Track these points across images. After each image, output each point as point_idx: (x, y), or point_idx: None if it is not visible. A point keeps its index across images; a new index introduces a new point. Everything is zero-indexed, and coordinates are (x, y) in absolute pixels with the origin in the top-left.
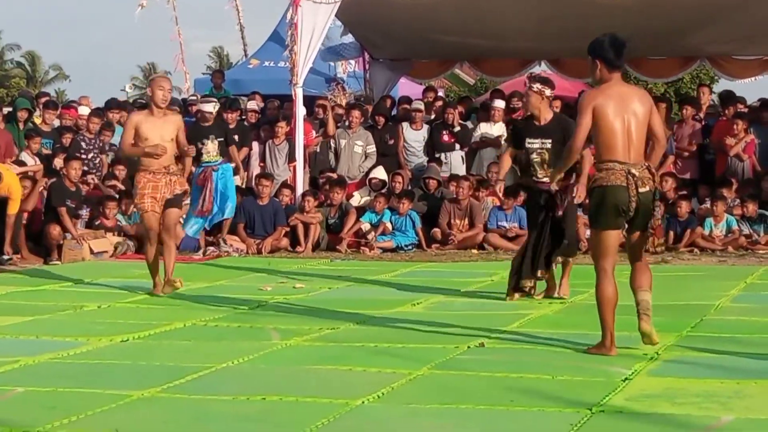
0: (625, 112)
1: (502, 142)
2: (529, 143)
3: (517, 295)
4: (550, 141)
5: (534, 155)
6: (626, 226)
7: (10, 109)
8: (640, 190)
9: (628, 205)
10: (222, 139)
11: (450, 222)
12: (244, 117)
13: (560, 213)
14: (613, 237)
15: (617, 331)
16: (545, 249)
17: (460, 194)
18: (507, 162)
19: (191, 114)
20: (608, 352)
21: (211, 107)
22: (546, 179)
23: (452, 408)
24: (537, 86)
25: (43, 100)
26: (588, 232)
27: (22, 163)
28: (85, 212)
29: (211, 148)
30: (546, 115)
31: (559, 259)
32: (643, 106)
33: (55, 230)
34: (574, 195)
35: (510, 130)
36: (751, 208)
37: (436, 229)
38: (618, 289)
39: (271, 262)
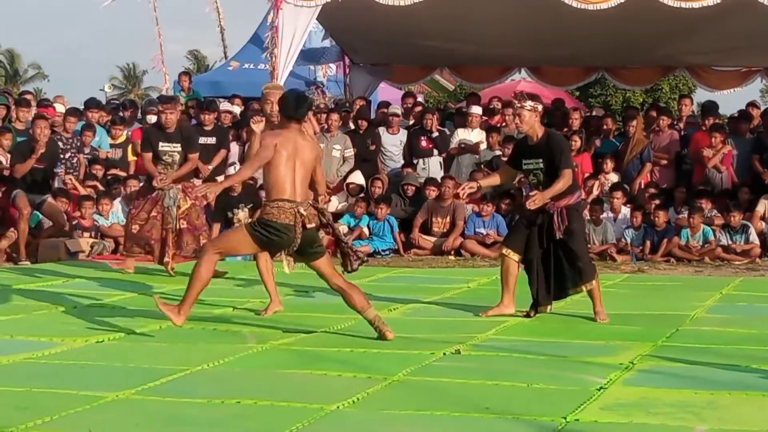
0: (296, 157)
1: (481, 148)
2: (525, 164)
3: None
4: (541, 161)
5: (531, 176)
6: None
7: None
8: (308, 226)
9: (293, 242)
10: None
11: (430, 220)
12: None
13: (560, 235)
14: (249, 250)
15: (594, 340)
16: (556, 275)
17: (446, 194)
18: (495, 180)
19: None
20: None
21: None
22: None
23: (427, 414)
24: (530, 104)
25: (18, 97)
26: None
27: None
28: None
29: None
30: (539, 133)
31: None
32: (312, 154)
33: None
34: (528, 201)
35: (512, 149)
36: (737, 218)
37: (415, 232)
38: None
39: (248, 265)
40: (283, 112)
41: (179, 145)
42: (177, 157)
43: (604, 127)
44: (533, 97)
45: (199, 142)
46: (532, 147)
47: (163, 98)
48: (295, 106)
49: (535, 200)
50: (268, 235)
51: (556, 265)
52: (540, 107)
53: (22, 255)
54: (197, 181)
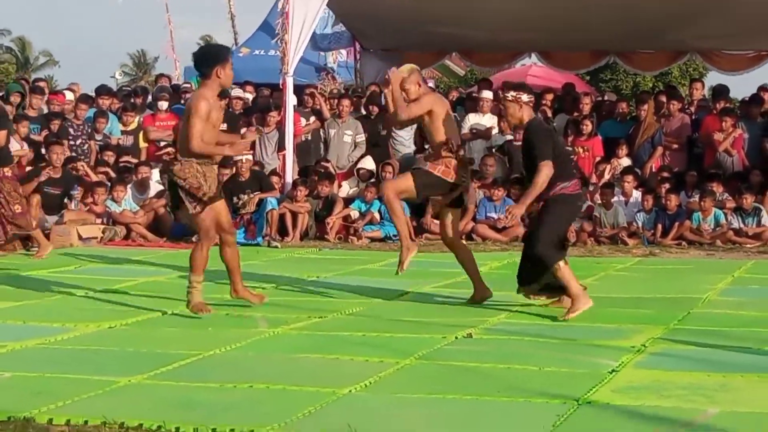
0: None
1: (492, 133)
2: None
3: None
4: (522, 158)
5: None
6: None
7: (2, 93)
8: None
9: None
10: None
11: None
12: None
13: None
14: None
15: (605, 323)
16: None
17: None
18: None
19: (184, 102)
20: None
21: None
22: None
23: (439, 398)
24: (511, 94)
25: (32, 85)
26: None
27: None
28: (77, 191)
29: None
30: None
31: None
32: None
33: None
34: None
35: None
36: (749, 200)
37: (428, 218)
38: None
39: (260, 250)
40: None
41: None
42: None
43: (619, 110)
44: (516, 87)
45: None
46: (521, 144)
47: None
48: (198, 64)
49: (508, 215)
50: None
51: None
52: (524, 97)
53: (36, 241)
54: (7, 170)
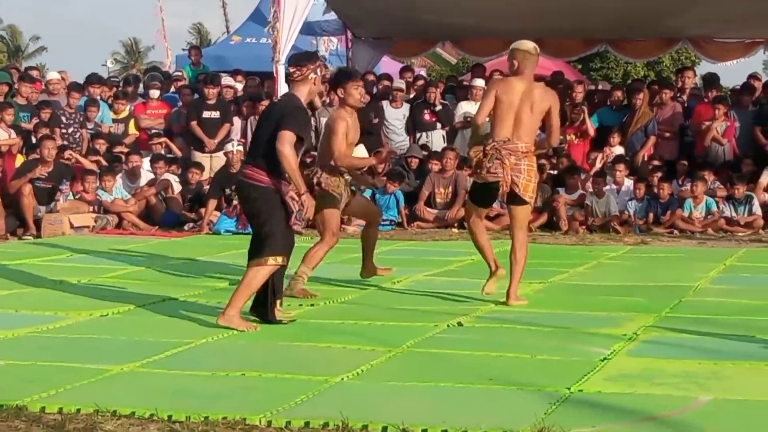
0: None
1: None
2: None
3: None
4: None
5: None
6: None
7: None
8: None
9: None
10: None
11: (434, 192)
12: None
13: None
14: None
15: (597, 311)
16: None
17: (447, 165)
18: None
19: (175, 90)
20: None
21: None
22: None
23: (431, 386)
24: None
25: (20, 73)
26: None
27: None
28: (65, 186)
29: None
30: None
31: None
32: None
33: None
34: None
35: None
36: (741, 189)
37: (420, 205)
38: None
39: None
40: None
41: None
42: None
43: (614, 98)
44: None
45: (203, 116)
46: None
47: None
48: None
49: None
50: None
51: None
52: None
53: (31, 229)
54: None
